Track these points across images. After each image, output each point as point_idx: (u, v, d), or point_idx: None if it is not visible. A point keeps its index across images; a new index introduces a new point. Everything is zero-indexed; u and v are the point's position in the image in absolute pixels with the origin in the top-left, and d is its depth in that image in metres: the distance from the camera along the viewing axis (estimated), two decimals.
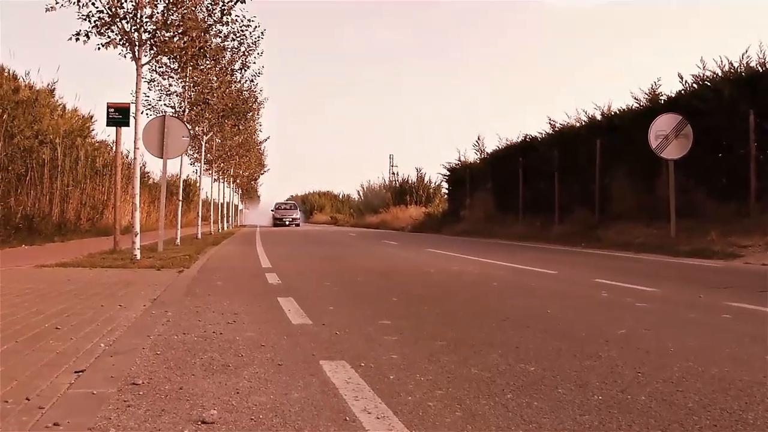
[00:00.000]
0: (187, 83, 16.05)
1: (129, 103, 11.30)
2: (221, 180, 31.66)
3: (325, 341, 3.89)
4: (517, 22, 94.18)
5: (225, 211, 35.09)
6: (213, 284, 7.04)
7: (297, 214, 44.74)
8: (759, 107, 12.77)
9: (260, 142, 35.38)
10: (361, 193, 55.87)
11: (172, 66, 14.94)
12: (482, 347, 3.70)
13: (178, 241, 14.91)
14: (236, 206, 48.95)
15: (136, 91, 10.15)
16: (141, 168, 14.43)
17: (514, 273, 8.75)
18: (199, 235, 19.45)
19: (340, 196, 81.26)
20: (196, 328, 4.29)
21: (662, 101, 16.29)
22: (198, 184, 25.23)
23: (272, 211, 46.00)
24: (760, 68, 13.73)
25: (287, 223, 42.58)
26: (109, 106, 11.27)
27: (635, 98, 17.47)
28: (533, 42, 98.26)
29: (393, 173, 57.14)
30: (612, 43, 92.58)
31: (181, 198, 16.84)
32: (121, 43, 9.78)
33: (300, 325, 4.45)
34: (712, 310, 5.23)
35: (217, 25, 10.75)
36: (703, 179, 13.87)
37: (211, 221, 25.62)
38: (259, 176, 47.89)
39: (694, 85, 15.34)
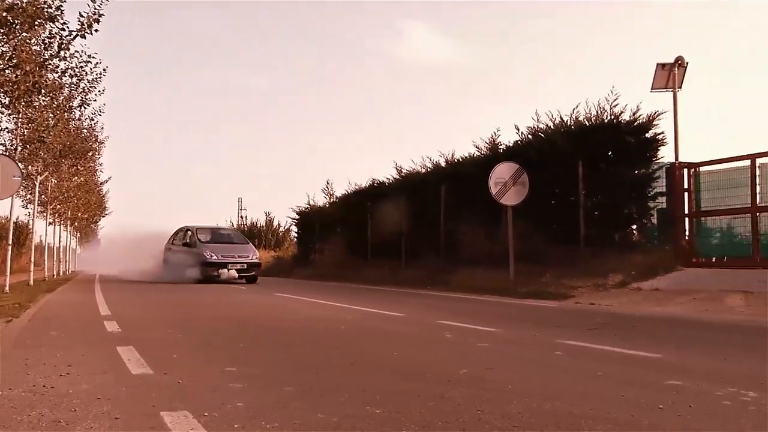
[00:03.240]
0: (20, 120, 15.06)
1: None
2: (57, 223, 29.76)
3: (166, 391, 3.73)
4: (368, 72, 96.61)
5: (62, 256, 32.94)
6: (45, 334, 6.57)
7: (253, 255, 20.39)
8: (587, 158, 13.85)
9: (101, 183, 33.68)
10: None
11: (2, 101, 13.97)
12: (330, 392, 3.70)
13: (8, 288, 13.84)
14: (74, 250, 45.88)
15: None
16: None
17: (362, 316, 8.83)
18: (32, 282, 18.14)
19: None
20: (24, 383, 3.97)
21: (501, 150, 17.20)
22: (31, 228, 23.60)
23: (184, 246, 21.15)
24: (587, 122, 14.93)
25: (234, 275, 19.03)
26: None
27: (476, 147, 18.37)
28: (383, 91, 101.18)
29: (241, 216, 56.16)
30: (458, 95, 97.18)
31: (10, 242, 15.63)
32: None
33: (140, 375, 4.25)
34: (546, 347, 5.54)
35: (54, 59, 10.20)
36: (540, 225, 14.68)
37: (45, 267, 24.00)
38: (99, 219, 45.09)
39: (530, 136, 16.40)
